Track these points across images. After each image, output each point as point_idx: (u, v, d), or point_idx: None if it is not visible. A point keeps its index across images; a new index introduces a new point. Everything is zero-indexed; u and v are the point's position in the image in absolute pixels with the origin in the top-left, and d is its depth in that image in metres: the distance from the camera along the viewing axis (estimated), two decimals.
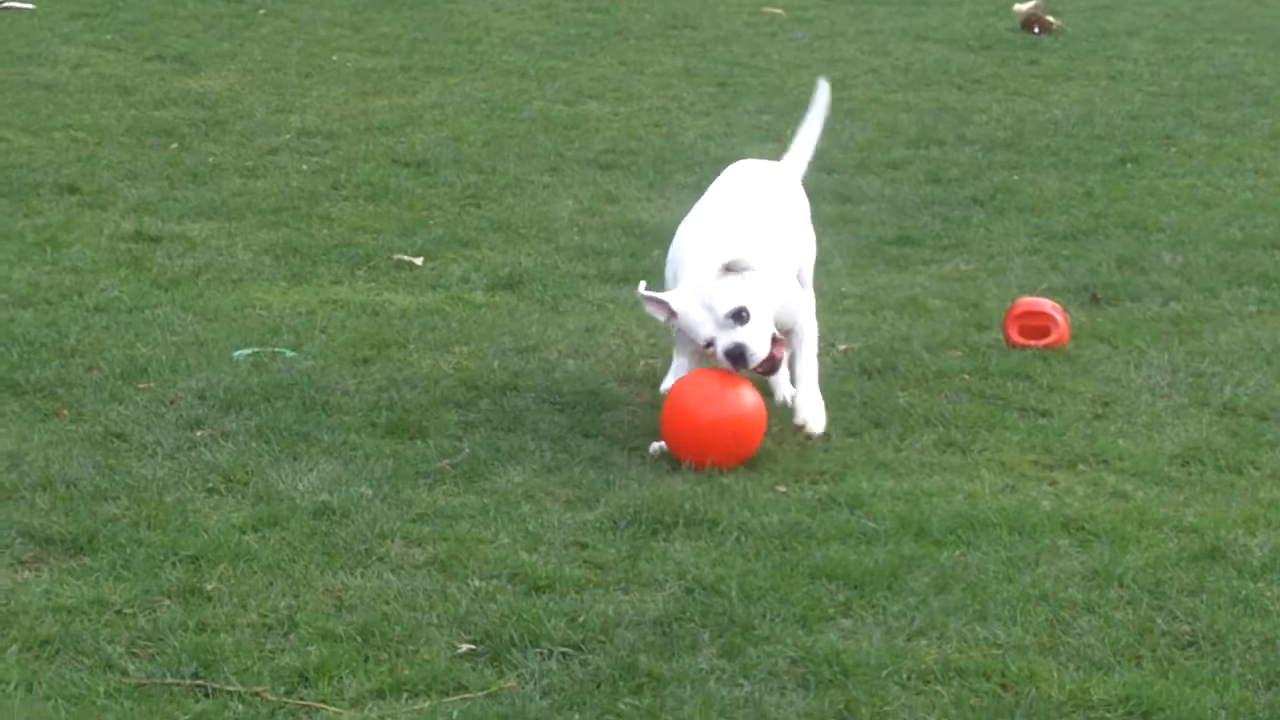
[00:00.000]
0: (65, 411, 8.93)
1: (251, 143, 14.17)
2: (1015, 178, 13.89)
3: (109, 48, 17.42)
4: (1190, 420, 9.21)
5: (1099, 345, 10.24)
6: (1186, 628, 7.06)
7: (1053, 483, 8.45)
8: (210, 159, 13.70)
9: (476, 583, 7.30)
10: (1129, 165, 14.36)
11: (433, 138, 14.57)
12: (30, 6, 18.96)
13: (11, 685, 6.42)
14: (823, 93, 10.58)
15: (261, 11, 19.38)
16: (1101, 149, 14.81)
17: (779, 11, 20.47)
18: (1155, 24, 20.25)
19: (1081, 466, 8.65)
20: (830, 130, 14.92)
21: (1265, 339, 10.41)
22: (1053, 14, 19.93)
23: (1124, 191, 13.60)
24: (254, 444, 8.58)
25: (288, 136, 14.39)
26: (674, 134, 14.91)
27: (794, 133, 10.23)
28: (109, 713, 6.29)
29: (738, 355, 8.59)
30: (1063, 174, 13.99)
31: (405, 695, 6.48)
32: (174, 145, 14.01)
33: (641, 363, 9.82)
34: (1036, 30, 19.54)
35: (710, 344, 8.66)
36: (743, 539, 7.73)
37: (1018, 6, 20.41)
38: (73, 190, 12.73)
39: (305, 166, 13.63)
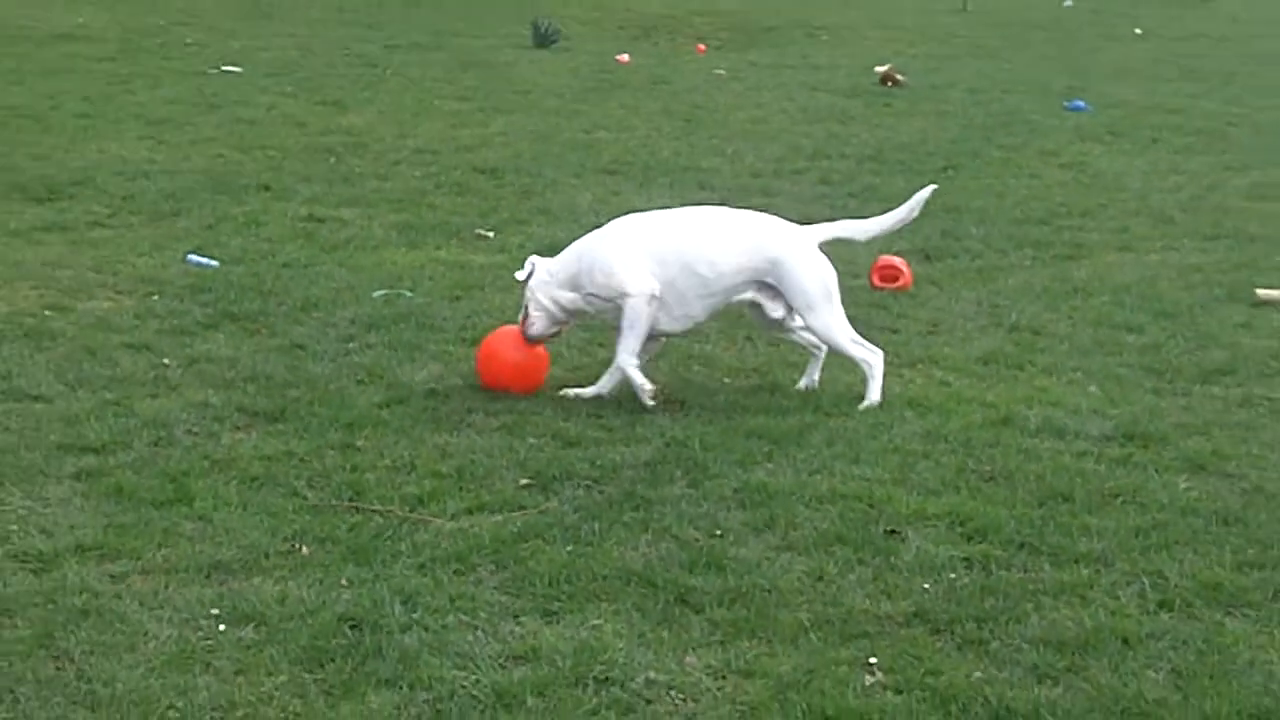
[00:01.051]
0: (263, 330, 8.95)
1: (383, 158, 14.16)
2: (877, 180, 13.91)
3: (289, 96, 17.40)
4: (989, 336, 9.29)
5: (930, 287, 10.31)
6: (988, 468, 7.13)
7: (900, 375, 8.46)
8: (356, 169, 13.68)
9: (531, 440, 7.35)
10: (949, 171, 14.38)
11: (499, 154, 14.56)
12: (239, 69, 18.93)
13: (233, 506, 6.46)
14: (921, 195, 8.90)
15: (388, 72, 19.32)
16: (931, 161, 14.84)
17: (722, 72, 20.45)
18: (968, 82, 20.26)
19: (919, 365, 8.72)
20: (755, 149, 15.13)
21: (1036, 283, 10.51)
22: (901, 74, 19.92)
23: (946, 188, 13.50)
24: (386, 352, 8.61)
25: (406, 153, 14.36)
26: (656, 151, 14.92)
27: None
28: (295, 523, 6.32)
29: None
30: (907, 177, 13.92)
31: (485, 512, 6.53)
32: (332, 159, 13.99)
33: None
34: (890, 84, 19.52)
35: None
36: (701, 412, 7.77)
37: (877, 68, 20.41)
38: (266, 189, 12.74)
39: (418, 173, 13.61)
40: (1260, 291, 10.19)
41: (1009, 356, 8.85)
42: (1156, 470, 7.12)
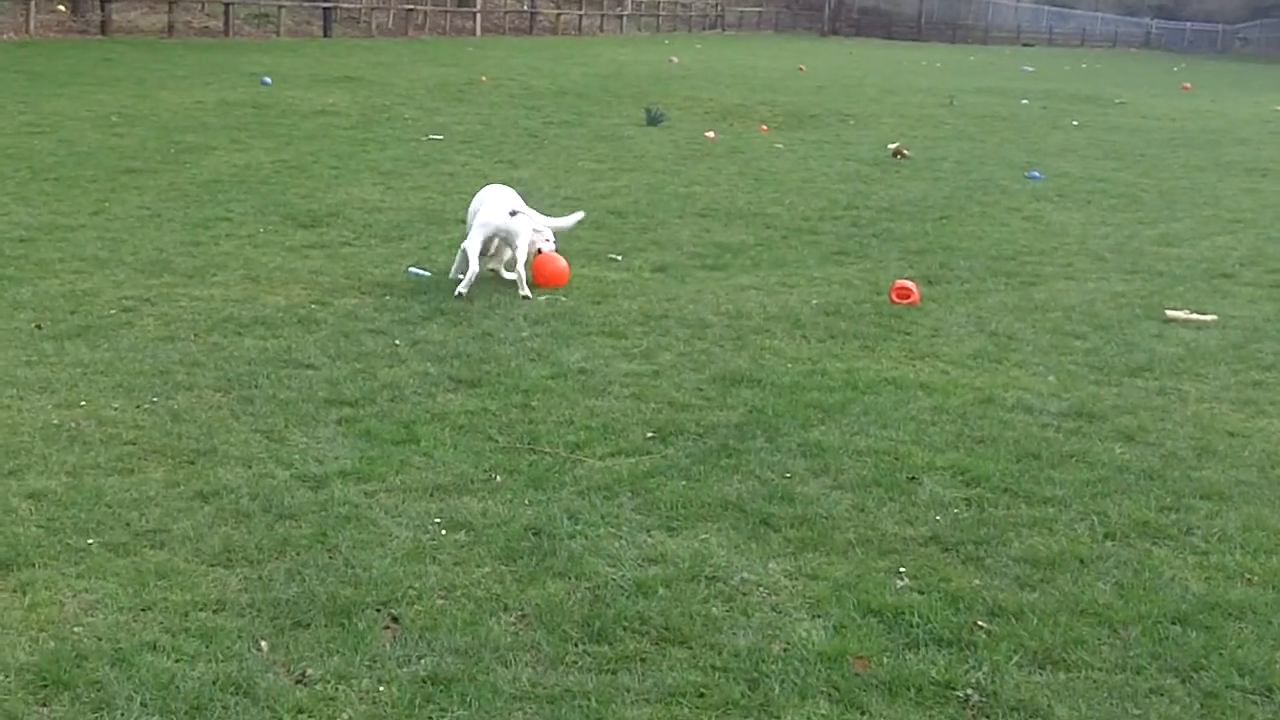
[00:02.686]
0: (463, 322, 8.93)
1: (543, 202, 13.94)
2: (892, 224, 13.73)
3: (478, 156, 17.42)
4: (976, 339, 9.13)
5: (932, 304, 10.15)
6: (979, 434, 7.01)
7: (912, 365, 8.38)
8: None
9: (653, 405, 7.30)
10: (944, 219, 14.18)
11: (624, 201, 14.50)
12: (442, 137, 18.95)
13: (447, 446, 6.46)
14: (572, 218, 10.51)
15: (546, 141, 19.28)
16: (930, 212, 14.64)
17: (780, 146, 20.31)
18: (955, 157, 20.02)
19: (926, 359, 8.57)
20: (805, 200, 15.01)
21: (1009, 302, 10.32)
22: (907, 149, 19.73)
23: (942, 231, 13.47)
24: (549, 339, 8.58)
25: (559, 199, 14.27)
26: (735, 201, 14.82)
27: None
28: (491, 459, 6.32)
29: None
30: (914, 223, 13.86)
31: (623, 455, 6.49)
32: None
33: (723, 306, 9.75)
34: (899, 157, 19.32)
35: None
36: (772, 388, 7.69)
37: (889, 145, 20.22)
38: (462, 221, 12.52)
39: (567, 211, 13.52)
40: (1169, 312, 10.02)
41: (990, 354, 8.73)
42: (1099, 439, 7.02)
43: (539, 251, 10.13)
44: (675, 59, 39.89)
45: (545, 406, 7.19)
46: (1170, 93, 37.09)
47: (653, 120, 22.32)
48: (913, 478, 6.28)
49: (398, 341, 8.37)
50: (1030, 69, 46.45)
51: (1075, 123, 26.43)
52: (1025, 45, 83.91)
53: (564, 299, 9.78)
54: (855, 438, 6.85)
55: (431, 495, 5.85)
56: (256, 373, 7.51)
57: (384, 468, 6.12)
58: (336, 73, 28.51)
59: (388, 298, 9.55)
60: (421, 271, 10.41)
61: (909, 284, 10.23)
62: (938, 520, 5.79)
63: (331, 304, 9.25)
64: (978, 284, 11.03)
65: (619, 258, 11.52)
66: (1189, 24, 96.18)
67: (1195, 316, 9.92)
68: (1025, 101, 30.94)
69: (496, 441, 6.61)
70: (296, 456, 6.23)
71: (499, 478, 6.09)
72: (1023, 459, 6.63)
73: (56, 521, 5.39)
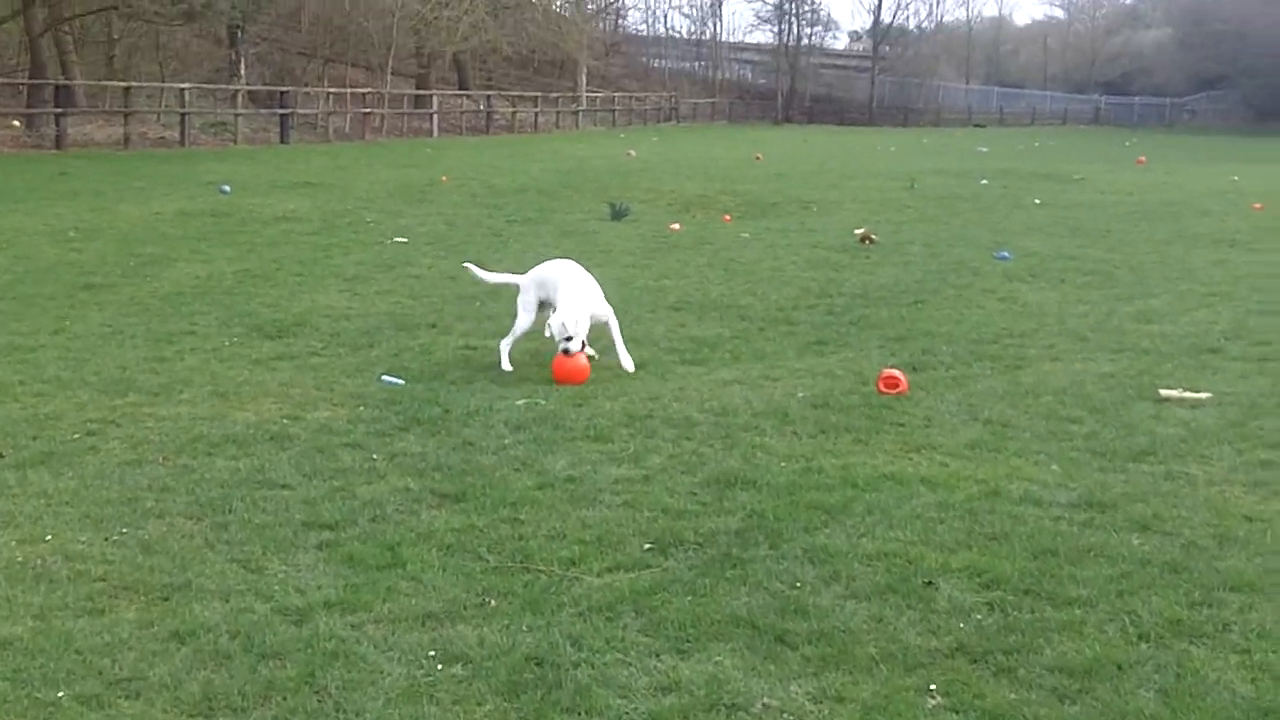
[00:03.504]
0: (442, 432, 8.60)
1: (513, 302, 13.84)
2: (867, 311, 13.53)
3: (442, 258, 17.19)
4: (970, 428, 8.83)
5: (920, 392, 9.85)
6: (990, 530, 6.68)
7: (909, 458, 8.07)
8: (494, 311, 13.35)
9: (647, 513, 6.94)
10: (919, 304, 14.00)
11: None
12: (406, 240, 18.73)
13: (435, 568, 6.10)
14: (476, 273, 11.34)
15: (510, 240, 19.04)
16: (904, 297, 14.46)
17: (747, 235, 20.17)
18: (922, 239, 19.95)
19: (923, 450, 8.26)
20: (776, 289, 14.78)
21: (998, 388, 10.04)
22: (874, 234, 19.61)
23: (919, 316, 13.27)
24: (533, 446, 8.24)
25: None
26: (707, 293, 14.60)
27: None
28: (483, 581, 5.96)
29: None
30: (890, 309, 13.66)
31: (621, 570, 6.13)
32: (477, 304, 13.71)
33: (707, 403, 9.43)
34: (867, 242, 19.19)
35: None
36: (768, 490, 7.36)
37: (856, 230, 20.13)
38: (433, 326, 12.50)
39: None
40: (1162, 391, 9.78)
41: (988, 443, 8.43)
42: (1114, 531, 6.71)
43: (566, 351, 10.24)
44: (633, 152, 39.95)
45: (535, 520, 6.84)
46: (1125, 167, 37.35)
47: (617, 214, 22.16)
48: (929, 582, 5.94)
49: (375, 455, 8.02)
50: (984, 149, 46.82)
51: (1037, 201, 26.46)
52: (977, 126, 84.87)
53: (543, 402, 9.47)
54: (862, 540, 6.52)
55: (423, 624, 5.47)
56: (230, 496, 7.14)
57: (370, 596, 5.75)
58: (295, 178, 28.31)
59: (361, 408, 9.22)
60: (394, 380, 10.10)
61: (896, 373, 9.96)
62: (961, 628, 5.45)
63: (303, 418, 8.90)
64: (963, 369, 10.77)
65: (596, 356, 11.22)
66: (1137, 98, 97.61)
67: (1190, 395, 9.68)
68: (984, 181, 31.02)
69: (487, 561, 6.24)
70: (276, 587, 5.85)
71: (493, 601, 5.72)
72: (1039, 556, 6.31)
73: (23, 673, 4.99)
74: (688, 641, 5.32)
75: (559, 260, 11.20)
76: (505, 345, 10.71)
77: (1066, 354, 11.45)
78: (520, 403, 9.43)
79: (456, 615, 5.57)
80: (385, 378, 10.21)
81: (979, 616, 5.58)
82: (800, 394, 9.74)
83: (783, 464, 7.96)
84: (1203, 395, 9.70)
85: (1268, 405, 9.47)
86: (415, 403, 9.33)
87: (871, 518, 6.88)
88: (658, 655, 5.20)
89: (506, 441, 8.38)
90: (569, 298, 10.41)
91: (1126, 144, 50.71)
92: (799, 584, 5.94)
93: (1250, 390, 9.97)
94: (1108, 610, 5.66)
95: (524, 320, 10.72)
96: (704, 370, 10.70)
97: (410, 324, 12.55)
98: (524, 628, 5.43)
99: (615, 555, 6.33)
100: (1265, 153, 45.34)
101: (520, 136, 52.78)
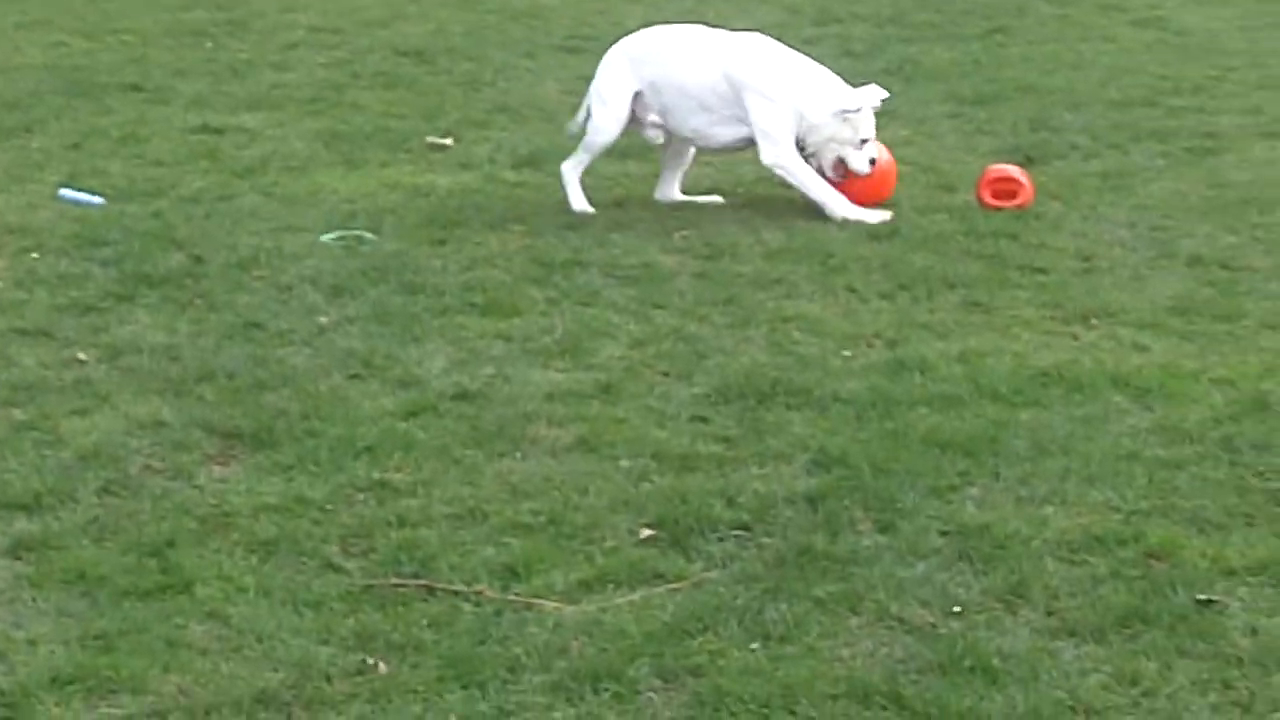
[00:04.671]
0: (198, 301, 8.00)
1: (272, 40, 13.21)
2: (912, 49, 13.08)
3: None
4: (1168, 273, 8.46)
5: (1053, 203, 9.41)
6: (1275, 484, 6.14)
7: (1074, 336, 7.64)
8: (242, 56, 12.69)
9: (625, 463, 6.36)
10: (998, 35, 13.66)
11: (420, 30, 13.68)
12: None
13: (251, 594, 5.40)
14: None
15: None
16: (971, 23, 14.15)
17: None
18: None
19: (1093, 320, 7.82)
20: (742, 11, 14.10)
21: (1189, 191, 9.69)
22: None
23: (1004, 58, 12.89)
24: (375, 328, 7.67)
25: (301, 33, 13.39)
26: (620, 20, 13.85)
27: None
28: (350, 619, 5.27)
29: None
30: (948, 45, 13.16)
31: (611, 586, 5.49)
32: (209, 44, 13.00)
33: (676, 235, 8.88)
34: None
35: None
36: (842, 407, 6.78)
37: None
38: (136, 89, 11.82)
39: (323, 59, 12.66)
40: None
41: (1210, 304, 7.93)
42: None
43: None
44: None
45: (420, 483, 6.18)
46: None
47: None
48: (1203, 599, 5.34)
49: (81, 355, 7.38)
50: None
51: None
52: None
53: (370, 235, 8.84)
54: (1046, 509, 5.94)
55: (249, 717, 4.77)
56: None
57: (136, 659, 5.01)
58: None
59: (35, 256, 8.62)
60: (85, 196, 9.45)
61: (1012, 170, 9.42)
62: None
63: None
64: (1115, 158, 10.35)
65: (447, 142, 10.57)
66: None
67: None
68: None
69: (347, 573, 5.57)
70: None
71: (379, 665, 5.04)
72: None
73: None
74: None
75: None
76: (573, 170, 9.65)
77: None
78: (328, 237, 8.81)
79: (314, 695, 4.87)
80: (66, 192, 9.60)
81: None
82: (848, 216, 9.12)
83: (846, 354, 7.41)
84: None
85: None
86: (133, 240, 8.72)
87: (1050, 462, 6.30)
88: None
89: (323, 319, 7.76)
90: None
91: None
92: (957, 607, 5.32)
93: None
94: None
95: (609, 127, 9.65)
96: (651, 169, 10.07)
97: (92, 85, 11.92)
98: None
99: (590, 553, 5.71)
100: None
101: None
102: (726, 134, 9.27)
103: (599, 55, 12.55)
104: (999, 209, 9.18)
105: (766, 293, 8.08)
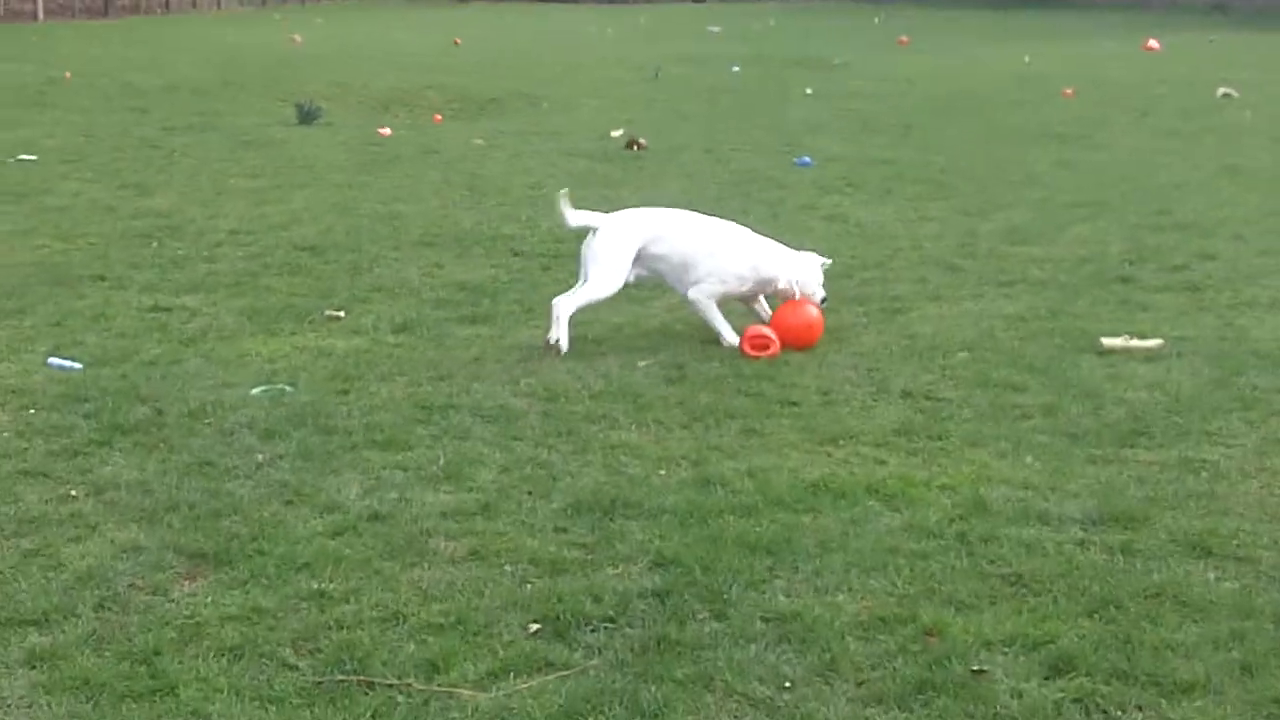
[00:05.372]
0: (161, 445, 7.08)
1: (201, 240, 12.22)
2: None
3: (90, 181, 15.19)
4: (886, 403, 7.80)
5: (795, 354, 8.72)
6: (1006, 570, 5.58)
7: (829, 454, 6.96)
8: (179, 252, 11.72)
9: (509, 568, 5.62)
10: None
11: (311, 230, 12.68)
12: (34, 157, 16.60)
13: (225, 693, 4.63)
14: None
15: (175, 154, 17.14)
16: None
17: (481, 141, 18.67)
18: (697, 143, 18.94)
19: (840, 441, 7.16)
20: (545, 215, 13.36)
21: (890, 343, 9.04)
22: (641, 138, 18.34)
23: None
24: (301, 463, 6.82)
25: (223, 235, 12.43)
26: (458, 222, 13.17)
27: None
28: (305, 711, 4.52)
29: None
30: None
31: (511, 674, 4.78)
32: (154, 244, 12.00)
33: (522, 381, 8.13)
34: (635, 148, 17.90)
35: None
36: (669, 517, 6.10)
37: (614, 133, 18.90)
38: (102, 279, 10.77)
39: (240, 254, 11.69)
40: (1105, 340, 8.86)
41: (923, 427, 7.35)
42: (1172, 561, 5.64)
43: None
44: (299, 38, 37.74)
45: (349, 592, 5.40)
46: (888, 49, 37.03)
47: (306, 117, 20.34)
48: (976, 669, 4.75)
49: (73, 490, 6.46)
50: (716, 29, 46.12)
51: (809, 91, 25.68)
52: (697, 1, 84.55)
53: (288, 388, 8.00)
54: (840, 597, 5.32)
55: None
56: None
57: None
58: None
59: (31, 411, 7.61)
60: (67, 362, 8.46)
61: (763, 329, 8.79)
62: None
63: None
64: (834, 317, 9.67)
65: (341, 314, 9.75)
66: None
67: (1138, 343, 8.81)
68: (736, 69, 30.14)
69: (299, 670, 4.80)
70: None
71: None
72: (1099, 611, 5.19)
73: None
74: None
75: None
76: (565, 307, 8.77)
77: (947, 290, 10.51)
78: (258, 391, 7.95)
79: None
80: (53, 360, 8.58)
81: None
82: (642, 363, 8.49)
83: (662, 473, 6.72)
84: (1152, 343, 8.84)
85: (1237, 352, 8.66)
86: (108, 397, 7.78)
87: (833, 558, 5.67)
88: None
89: (260, 457, 6.91)
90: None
91: (875, 21, 50.63)
92: (788, 682, 4.68)
93: (1202, 331, 9.19)
94: (1243, 701, 4.58)
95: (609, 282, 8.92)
96: (494, 331, 9.33)
97: (68, 276, 10.79)
98: None
99: (492, 647, 4.97)
100: (1034, 28, 45.90)
101: (150, 19, 49.53)
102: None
103: (449, 248, 11.95)
104: (757, 358, 8.56)
105: (596, 425, 7.36)
